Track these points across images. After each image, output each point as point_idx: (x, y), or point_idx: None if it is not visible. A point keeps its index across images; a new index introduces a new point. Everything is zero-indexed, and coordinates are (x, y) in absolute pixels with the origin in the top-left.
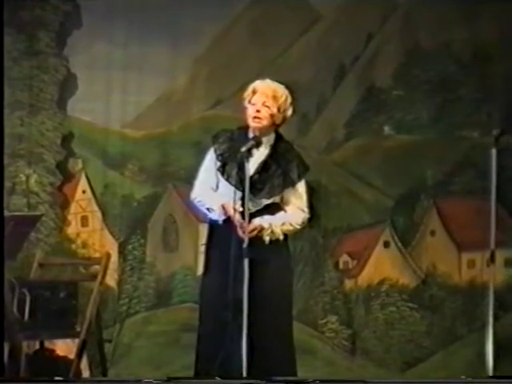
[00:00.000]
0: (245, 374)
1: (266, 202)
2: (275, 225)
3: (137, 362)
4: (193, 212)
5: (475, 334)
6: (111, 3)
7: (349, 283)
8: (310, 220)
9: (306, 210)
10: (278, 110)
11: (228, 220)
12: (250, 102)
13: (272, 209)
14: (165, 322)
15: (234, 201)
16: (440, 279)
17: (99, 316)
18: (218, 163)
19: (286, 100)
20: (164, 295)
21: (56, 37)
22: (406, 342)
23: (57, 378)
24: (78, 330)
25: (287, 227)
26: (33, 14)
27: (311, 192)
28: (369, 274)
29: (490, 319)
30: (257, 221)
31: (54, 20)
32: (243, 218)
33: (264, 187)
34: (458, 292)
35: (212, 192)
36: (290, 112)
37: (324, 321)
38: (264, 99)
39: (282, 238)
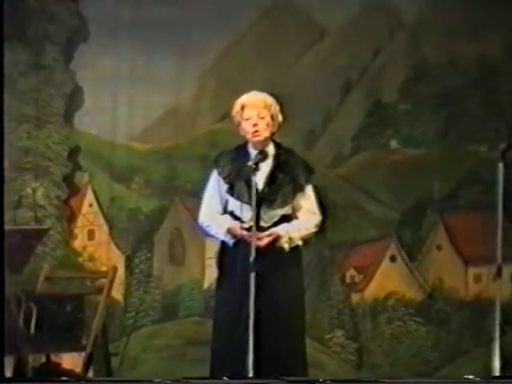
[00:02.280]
0: (251, 374)
1: (281, 211)
2: (292, 231)
3: (143, 375)
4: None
5: (482, 348)
6: (118, 17)
7: (355, 297)
8: (323, 223)
9: (318, 212)
10: (272, 118)
11: (239, 240)
12: (242, 117)
13: (284, 220)
14: (171, 336)
15: (255, 218)
16: (446, 294)
17: (105, 329)
18: (226, 186)
19: (275, 107)
20: (170, 309)
21: (63, 50)
22: (412, 356)
23: (57, 378)
24: (85, 343)
25: (303, 232)
26: (40, 28)
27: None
28: (375, 289)
29: (497, 334)
30: (272, 229)
31: (61, 34)
32: (257, 229)
33: (276, 198)
34: (464, 306)
35: (218, 216)
36: (280, 118)
37: (330, 335)
38: (257, 111)
39: (300, 243)
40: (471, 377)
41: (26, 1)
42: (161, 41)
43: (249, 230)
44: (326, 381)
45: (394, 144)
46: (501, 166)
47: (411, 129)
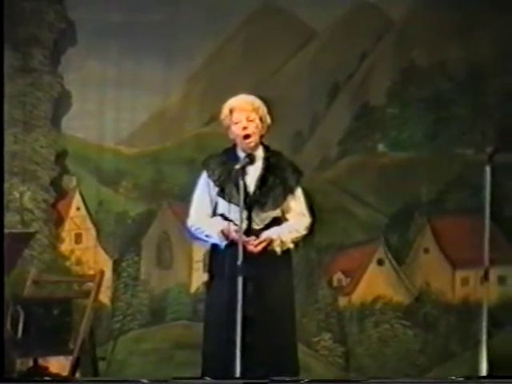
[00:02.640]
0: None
1: (272, 214)
2: (283, 234)
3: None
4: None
5: (469, 351)
6: (105, 21)
7: (342, 301)
8: (312, 225)
9: (307, 213)
10: (261, 120)
11: (230, 243)
12: (231, 121)
13: (276, 223)
14: (159, 340)
15: (242, 221)
16: (434, 297)
17: (93, 333)
18: (216, 189)
19: (263, 109)
20: (158, 312)
21: (50, 54)
22: (399, 359)
23: (57, 378)
24: (72, 347)
25: (294, 235)
26: (27, 32)
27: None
28: (362, 292)
29: (484, 337)
30: (265, 234)
31: (49, 37)
32: (247, 235)
33: (268, 200)
34: (451, 310)
35: (208, 218)
36: (269, 120)
37: (317, 338)
38: (246, 114)
39: (292, 246)
40: (461, 378)
41: (14, 4)
42: (148, 45)
43: (245, 232)
44: (312, 381)
45: (381, 147)
46: (488, 169)
47: (399, 132)
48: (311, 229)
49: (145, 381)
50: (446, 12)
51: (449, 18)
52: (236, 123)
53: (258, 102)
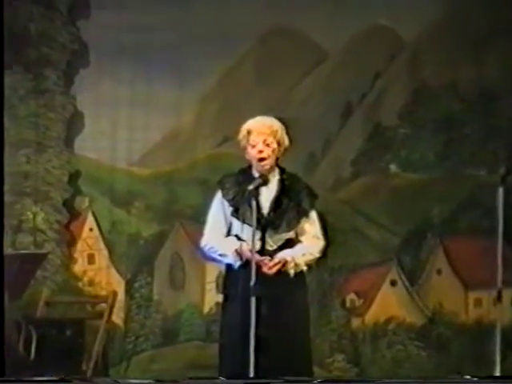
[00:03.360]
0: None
1: (286, 236)
2: (297, 257)
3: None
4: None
5: (482, 373)
6: (118, 41)
7: (356, 322)
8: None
9: (321, 237)
10: (278, 143)
11: (244, 263)
12: (248, 142)
13: (289, 244)
14: (172, 361)
15: (254, 241)
16: (447, 318)
17: (106, 354)
18: (231, 208)
19: (282, 132)
20: (171, 333)
21: (63, 75)
22: (412, 380)
23: (57, 378)
24: (85, 368)
25: (308, 257)
26: (40, 53)
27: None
28: (375, 313)
29: (498, 358)
30: (279, 255)
31: (62, 58)
32: (261, 255)
33: (282, 222)
34: (464, 331)
35: (223, 238)
36: (287, 142)
37: (331, 359)
38: (263, 138)
39: (305, 269)
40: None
41: (27, 25)
42: (161, 65)
43: (258, 252)
44: (325, 381)
45: (393, 168)
46: (501, 190)
47: (411, 153)
48: (325, 251)
49: (156, 381)
50: (458, 33)
51: (460, 39)
52: (253, 146)
53: (276, 125)
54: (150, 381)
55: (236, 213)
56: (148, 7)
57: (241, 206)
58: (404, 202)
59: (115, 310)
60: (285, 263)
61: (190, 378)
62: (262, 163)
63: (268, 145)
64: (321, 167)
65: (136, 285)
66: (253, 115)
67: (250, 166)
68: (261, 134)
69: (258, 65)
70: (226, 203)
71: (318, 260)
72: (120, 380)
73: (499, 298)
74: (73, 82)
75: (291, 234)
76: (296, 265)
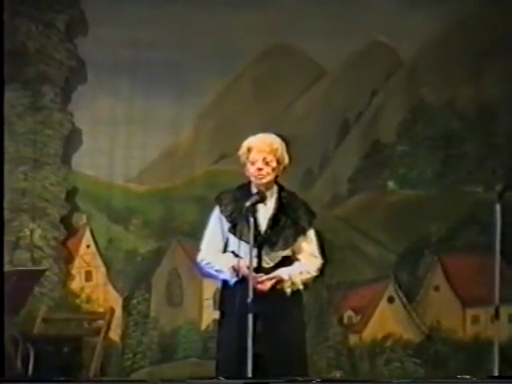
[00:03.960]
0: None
1: (282, 253)
2: (294, 275)
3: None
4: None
5: None
6: (116, 58)
7: (353, 338)
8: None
9: (319, 255)
10: (278, 162)
11: (240, 279)
12: (247, 159)
13: (286, 262)
14: (169, 377)
15: (251, 258)
16: (444, 335)
17: (103, 371)
18: (228, 224)
19: (282, 150)
20: (168, 350)
21: (61, 92)
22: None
23: (57, 378)
24: None
25: (305, 276)
26: (38, 70)
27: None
28: (373, 330)
29: (495, 375)
30: (276, 273)
31: (59, 75)
32: (257, 273)
33: (278, 240)
34: (462, 348)
35: (220, 254)
36: (287, 160)
37: (328, 376)
38: (263, 156)
39: (302, 287)
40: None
41: (24, 42)
42: (158, 82)
43: (255, 270)
44: (323, 381)
45: (391, 185)
46: (498, 207)
47: (408, 170)
48: (322, 270)
49: (156, 380)
50: (456, 51)
51: (458, 56)
52: (252, 163)
53: (277, 144)
54: (149, 380)
55: (233, 229)
56: (145, 24)
57: (238, 222)
58: (401, 219)
59: (112, 326)
60: (281, 281)
61: (190, 379)
62: (261, 181)
63: (267, 163)
64: (318, 184)
65: (133, 301)
66: (250, 132)
67: (248, 183)
68: (261, 152)
69: (255, 82)
70: (224, 219)
71: (316, 277)
72: (119, 379)
73: (497, 314)
74: (70, 99)
75: (288, 252)
76: (293, 283)
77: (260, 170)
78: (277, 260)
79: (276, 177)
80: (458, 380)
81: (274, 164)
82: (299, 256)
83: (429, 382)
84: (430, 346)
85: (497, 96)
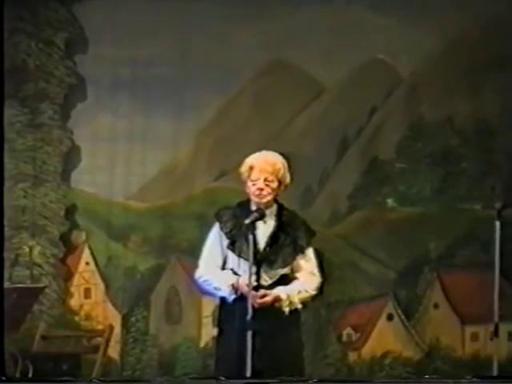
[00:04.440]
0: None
1: (281, 271)
2: (292, 295)
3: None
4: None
5: None
6: (115, 75)
7: (352, 356)
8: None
9: (318, 273)
10: (279, 182)
11: (239, 297)
12: (249, 177)
13: (285, 280)
14: None
15: (250, 275)
16: (443, 352)
17: None
18: (227, 241)
19: (284, 170)
20: (167, 367)
21: (60, 109)
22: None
23: (57, 379)
24: None
25: (303, 295)
26: (37, 87)
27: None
28: (372, 347)
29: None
30: (274, 291)
31: (59, 92)
32: (256, 290)
33: (277, 258)
34: (461, 365)
35: (218, 271)
36: (288, 180)
37: None
38: (265, 176)
39: (300, 307)
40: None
41: (25, 60)
42: (158, 99)
43: (253, 287)
44: (320, 381)
45: (390, 202)
46: (497, 224)
47: (408, 187)
48: (321, 288)
49: (157, 379)
50: (455, 68)
51: (457, 73)
52: (253, 181)
53: (279, 164)
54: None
55: (232, 246)
56: (145, 41)
57: (237, 239)
58: (401, 236)
59: (111, 344)
60: (278, 299)
61: (190, 378)
62: (261, 200)
63: (269, 183)
64: (317, 201)
65: (132, 319)
66: (250, 149)
67: (248, 200)
68: (263, 172)
69: (254, 99)
70: (224, 236)
71: (315, 296)
72: (120, 379)
73: (496, 332)
74: (70, 116)
75: (286, 270)
76: (291, 303)
77: (261, 190)
78: (275, 278)
79: (276, 195)
80: (458, 380)
81: (275, 184)
82: (298, 274)
83: (429, 382)
84: (430, 363)
85: (496, 113)
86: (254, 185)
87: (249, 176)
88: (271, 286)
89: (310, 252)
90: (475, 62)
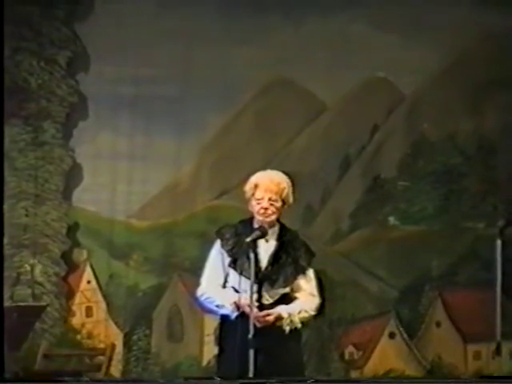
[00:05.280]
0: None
1: (282, 291)
2: (293, 314)
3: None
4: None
5: None
6: (117, 94)
7: (354, 374)
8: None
9: (317, 294)
10: (283, 202)
11: (240, 315)
12: (253, 195)
13: (285, 299)
14: None
15: (252, 294)
16: (446, 370)
17: None
18: (229, 259)
19: (288, 190)
20: None
21: (62, 128)
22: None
23: (57, 379)
24: None
25: (303, 315)
26: (39, 105)
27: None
28: (374, 365)
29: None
30: (276, 310)
31: (61, 111)
32: (260, 310)
33: (279, 277)
34: None
35: (220, 288)
36: (291, 199)
37: None
38: (269, 195)
39: (299, 326)
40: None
41: (26, 78)
42: (159, 118)
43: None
44: (320, 380)
45: (392, 220)
46: (499, 242)
47: (410, 205)
48: (320, 309)
49: (157, 381)
50: (456, 86)
51: (459, 91)
52: (258, 200)
53: (284, 183)
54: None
55: (234, 264)
56: (147, 60)
57: (239, 257)
58: (403, 255)
59: (113, 362)
60: (281, 318)
61: (188, 379)
62: (265, 219)
63: (273, 202)
64: (319, 219)
65: (134, 337)
66: (252, 167)
67: (250, 218)
68: (268, 191)
69: (256, 117)
70: (225, 253)
71: (315, 316)
72: (121, 379)
73: (498, 350)
74: (71, 135)
75: (287, 290)
76: (291, 322)
77: (266, 209)
78: (276, 297)
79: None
80: (458, 380)
81: (279, 204)
82: (297, 294)
83: (429, 382)
84: (432, 382)
85: (498, 131)
86: (258, 203)
87: (253, 194)
88: (272, 305)
89: (310, 273)
90: (477, 80)
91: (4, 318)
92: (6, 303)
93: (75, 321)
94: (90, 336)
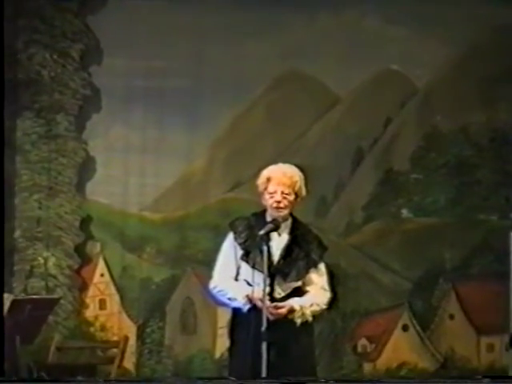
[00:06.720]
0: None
1: (294, 284)
2: (305, 307)
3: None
4: None
5: None
6: (130, 87)
7: (367, 367)
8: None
9: (328, 288)
10: (296, 195)
11: (252, 307)
12: (266, 189)
13: (297, 292)
14: None
15: (265, 287)
16: (459, 363)
17: None
18: (241, 252)
19: (301, 184)
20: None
21: (75, 120)
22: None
23: (58, 379)
24: None
25: (315, 308)
26: (52, 98)
27: (330, 275)
28: (387, 358)
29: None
30: (288, 302)
31: (74, 104)
32: (272, 300)
33: (291, 271)
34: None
35: (233, 281)
36: (304, 193)
37: None
38: (282, 189)
39: (311, 319)
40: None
41: (40, 71)
42: (172, 111)
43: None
44: (329, 381)
45: (405, 213)
46: None
47: (422, 197)
48: (331, 304)
49: (159, 380)
50: (469, 78)
51: (471, 84)
52: (271, 193)
53: (296, 176)
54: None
55: (246, 257)
56: (160, 53)
57: (252, 250)
58: (416, 247)
59: (127, 355)
60: (293, 311)
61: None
62: (279, 213)
63: (286, 196)
64: (332, 212)
65: (147, 330)
66: (264, 160)
67: (263, 211)
68: (280, 185)
69: (269, 110)
70: (238, 246)
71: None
72: (122, 379)
73: (511, 343)
74: (85, 128)
75: (299, 283)
76: (303, 314)
77: (278, 202)
78: (288, 291)
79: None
80: (458, 380)
81: (291, 197)
82: (308, 288)
83: (429, 382)
84: (445, 374)
85: (510, 122)
86: (271, 197)
87: (266, 188)
88: (284, 299)
89: (322, 266)
90: (489, 72)
91: (13, 311)
92: (19, 296)
93: (88, 313)
94: (103, 329)
